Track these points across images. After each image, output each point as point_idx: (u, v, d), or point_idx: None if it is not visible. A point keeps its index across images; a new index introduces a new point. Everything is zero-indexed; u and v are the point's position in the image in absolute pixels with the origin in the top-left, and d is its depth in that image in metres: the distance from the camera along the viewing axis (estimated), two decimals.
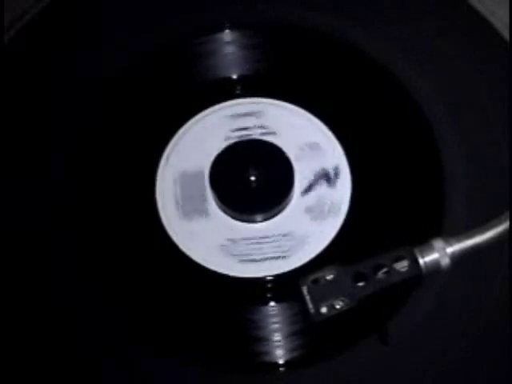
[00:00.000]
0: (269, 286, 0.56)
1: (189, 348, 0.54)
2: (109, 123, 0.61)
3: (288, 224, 0.58)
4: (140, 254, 0.57)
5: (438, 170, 0.58)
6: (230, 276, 0.56)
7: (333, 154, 0.60)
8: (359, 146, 0.60)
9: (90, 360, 0.53)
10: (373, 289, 0.52)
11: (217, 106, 0.61)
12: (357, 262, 0.53)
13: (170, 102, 0.61)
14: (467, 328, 0.53)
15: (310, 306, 0.52)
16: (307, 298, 0.52)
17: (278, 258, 0.56)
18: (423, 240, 0.53)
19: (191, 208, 0.58)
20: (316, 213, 0.58)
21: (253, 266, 0.56)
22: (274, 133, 0.60)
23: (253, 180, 0.58)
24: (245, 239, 0.57)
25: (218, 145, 0.59)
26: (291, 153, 0.59)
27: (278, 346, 0.54)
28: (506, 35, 0.61)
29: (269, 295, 0.55)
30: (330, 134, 0.60)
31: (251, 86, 0.62)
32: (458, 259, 0.53)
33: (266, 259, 0.56)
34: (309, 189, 0.58)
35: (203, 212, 0.58)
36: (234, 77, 0.63)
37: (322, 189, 0.58)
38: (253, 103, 0.61)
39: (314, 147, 0.60)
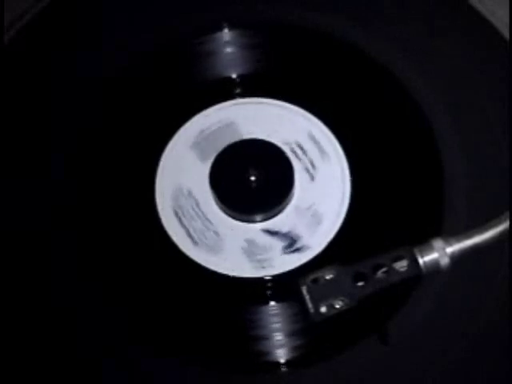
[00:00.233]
0: (269, 285, 0.56)
1: (189, 348, 0.54)
2: (109, 123, 0.61)
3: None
4: (140, 254, 0.57)
5: (438, 170, 0.58)
6: (230, 276, 0.56)
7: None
8: (359, 146, 0.60)
9: (90, 360, 0.53)
10: (372, 289, 0.52)
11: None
12: (356, 262, 0.53)
13: (170, 101, 0.61)
14: (467, 328, 0.53)
15: (310, 305, 0.52)
16: (307, 297, 0.52)
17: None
18: (423, 240, 0.53)
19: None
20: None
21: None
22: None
23: (253, 180, 0.58)
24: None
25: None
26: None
27: (278, 346, 0.54)
28: (506, 35, 0.61)
29: (269, 295, 0.55)
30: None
31: (251, 86, 0.62)
32: (458, 259, 0.53)
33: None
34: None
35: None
36: (234, 77, 0.63)
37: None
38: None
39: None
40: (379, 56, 0.62)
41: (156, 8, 0.64)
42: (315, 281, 0.53)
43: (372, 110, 0.61)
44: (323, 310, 0.52)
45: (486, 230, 0.53)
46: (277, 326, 0.54)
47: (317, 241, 0.57)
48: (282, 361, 0.53)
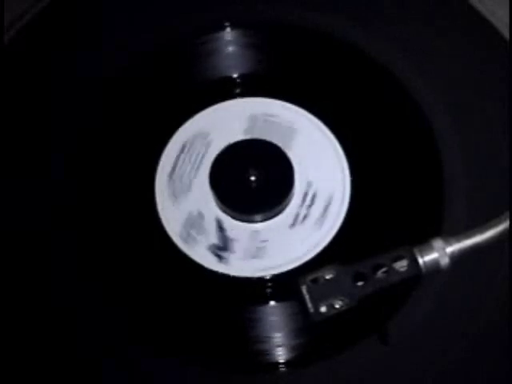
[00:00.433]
0: (269, 285, 0.56)
1: (189, 348, 0.54)
2: (109, 123, 0.61)
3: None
4: (140, 254, 0.57)
5: (437, 170, 0.58)
6: (230, 276, 0.56)
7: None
8: (359, 146, 0.60)
9: (90, 360, 0.53)
10: (372, 288, 0.52)
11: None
12: (356, 262, 0.53)
13: (170, 101, 0.61)
14: (467, 328, 0.53)
15: (310, 305, 0.52)
16: (306, 297, 0.52)
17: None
18: (423, 240, 0.53)
19: None
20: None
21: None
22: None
23: (253, 180, 0.58)
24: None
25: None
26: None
27: (278, 346, 0.54)
28: (506, 35, 0.61)
29: (268, 295, 0.55)
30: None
31: (251, 86, 0.62)
32: (458, 259, 0.53)
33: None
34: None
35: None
36: (234, 76, 0.63)
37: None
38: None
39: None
40: (379, 56, 0.62)
41: (156, 8, 0.64)
42: (315, 280, 0.53)
43: (372, 110, 0.61)
44: (323, 309, 0.52)
45: (486, 229, 0.53)
46: (276, 325, 0.54)
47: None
48: (282, 361, 0.53)
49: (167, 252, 0.57)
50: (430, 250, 0.52)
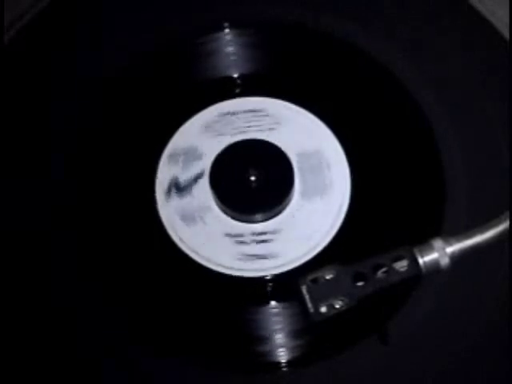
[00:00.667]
0: (269, 285, 0.56)
1: (189, 348, 0.54)
2: (109, 123, 0.61)
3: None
4: (140, 254, 0.57)
5: (438, 170, 0.58)
6: (230, 276, 0.56)
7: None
8: (359, 146, 0.60)
9: (90, 360, 0.53)
10: (372, 288, 0.52)
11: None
12: (356, 262, 0.53)
13: (170, 101, 0.61)
14: (467, 328, 0.53)
15: (310, 305, 0.52)
16: (306, 297, 0.52)
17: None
18: (423, 240, 0.53)
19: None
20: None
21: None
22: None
23: (253, 180, 0.58)
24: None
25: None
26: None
27: (278, 346, 0.54)
28: (506, 35, 0.61)
29: (269, 295, 0.55)
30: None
31: (251, 86, 0.62)
32: (458, 259, 0.53)
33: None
34: None
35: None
36: (234, 76, 0.63)
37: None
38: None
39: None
40: (379, 56, 0.62)
41: (156, 8, 0.64)
42: (315, 281, 0.53)
43: (372, 110, 0.61)
44: (323, 309, 0.52)
45: (486, 229, 0.53)
46: (277, 325, 0.54)
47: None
48: (282, 361, 0.53)
49: (167, 252, 0.57)
50: (430, 250, 0.52)
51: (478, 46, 0.62)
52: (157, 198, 0.58)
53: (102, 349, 0.53)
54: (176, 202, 0.58)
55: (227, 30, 0.63)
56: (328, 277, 0.53)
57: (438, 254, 0.52)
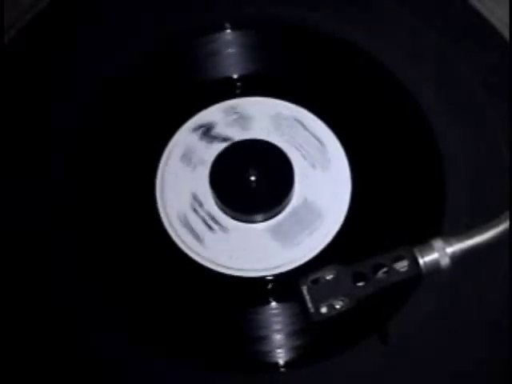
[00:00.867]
0: (269, 285, 0.56)
1: (189, 348, 0.54)
2: (109, 123, 0.61)
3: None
4: (140, 254, 0.57)
5: (438, 169, 0.58)
6: (230, 276, 0.56)
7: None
8: (359, 146, 0.60)
9: (90, 360, 0.53)
10: (373, 289, 0.52)
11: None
12: (357, 262, 0.53)
13: (170, 101, 0.61)
14: (467, 328, 0.53)
15: (310, 305, 0.52)
16: (307, 297, 0.52)
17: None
18: (423, 240, 0.53)
19: None
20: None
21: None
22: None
23: (253, 180, 0.58)
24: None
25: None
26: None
27: (278, 346, 0.54)
28: (506, 35, 0.61)
29: (269, 295, 0.55)
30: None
31: (251, 86, 0.62)
32: (458, 259, 0.53)
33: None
34: None
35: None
36: (235, 76, 0.63)
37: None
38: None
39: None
40: (379, 56, 0.62)
41: (156, 8, 0.64)
42: (315, 281, 0.53)
43: (372, 109, 0.61)
44: (323, 310, 0.52)
45: (487, 229, 0.53)
46: (277, 326, 0.54)
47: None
48: (282, 361, 0.53)
49: (167, 252, 0.57)
50: (431, 250, 0.52)
51: (478, 46, 0.62)
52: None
53: (102, 349, 0.53)
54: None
55: (227, 31, 0.63)
56: (328, 277, 0.53)
57: (439, 254, 0.52)
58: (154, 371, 0.53)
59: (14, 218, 0.57)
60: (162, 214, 0.58)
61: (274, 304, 0.55)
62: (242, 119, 0.61)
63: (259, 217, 0.57)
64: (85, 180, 0.59)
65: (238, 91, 0.62)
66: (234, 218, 0.58)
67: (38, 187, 0.58)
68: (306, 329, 0.54)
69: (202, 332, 0.54)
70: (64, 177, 0.58)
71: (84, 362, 0.53)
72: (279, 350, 0.54)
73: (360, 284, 0.52)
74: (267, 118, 0.61)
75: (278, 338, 0.54)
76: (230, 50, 0.63)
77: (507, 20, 0.61)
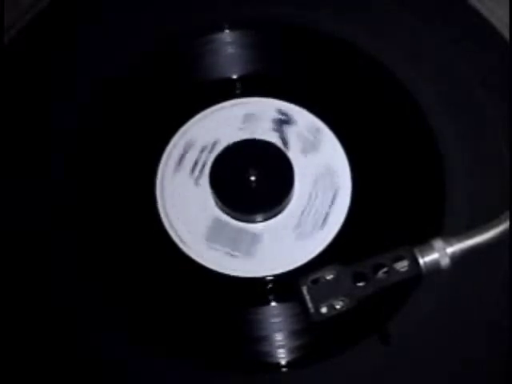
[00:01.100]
0: (269, 285, 0.56)
1: (189, 348, 0.54)
2: (109, 123, 0.61)
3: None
4: (140, 254, 0.57)
5: (438, 170, 0.58)
6: (230, 276, 0.56)
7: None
8: (359, 146, 0.60)
9: (90, 360, 0.53)
10: (373, 289, 0.52)
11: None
12: (357, 262, 0.53)
13: (170, 101, 0.61)
14: (467, 328, 0.53)
15: (310, 305, 0.52)
16: (307, 297, 0.52)
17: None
18: (423, 240, 0.53)
19: None
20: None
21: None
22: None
23: (253, 180, 0.58)
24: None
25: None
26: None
27: (278, 346, 0.54)
28: (506, 35, 0.61)
29: (269, 295, 0.55)
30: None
31: (251, 86, 0.62)
32: (458, 259, 0.53)
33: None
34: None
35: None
36: (234, 77, 0.63)
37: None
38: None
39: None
40: (379, 56, 0.62)
41: (156, 8, 0.64)
42: (315, 281, 0.53)
43: (372, 110, 0.61)
44: (323, 310, 0.52)
45: (487, 229, 0.53)
46: (277, 326, 0.54)
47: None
48: (283, 361, 0.53)
49: (167, 252, 0.57)
50: (431, 250, 0.52)
51: (478, 46, 0.62)
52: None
53: (102, 349, 0.53)
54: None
55: (227, 31, 0.63)
56: (328, 277, 0.53)
57: (439, 254, 0.52)
58: (153, 371, 0.53)
59: (14, 217, 0.57)
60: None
61: (273, 304, 0.55)
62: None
63: (259, 217, 0.57)
64: (85, 180, 0.59)
65: (237, 91, 0.62)
66: (234, 217, 0.58)
67: (38, 187, 0.58)
68: (306, 329, 0.54)
69: (202, 332, 0.54)
70: (64, 177, 0.58)
71: (84, 362, 0.53)
72: (279, 350, 0.54)
73: (360, 284, 0.52)
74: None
75: (278, 338, 0.54)
76: (229, 50, 0.63)
77: (507, 20, 0.61)
